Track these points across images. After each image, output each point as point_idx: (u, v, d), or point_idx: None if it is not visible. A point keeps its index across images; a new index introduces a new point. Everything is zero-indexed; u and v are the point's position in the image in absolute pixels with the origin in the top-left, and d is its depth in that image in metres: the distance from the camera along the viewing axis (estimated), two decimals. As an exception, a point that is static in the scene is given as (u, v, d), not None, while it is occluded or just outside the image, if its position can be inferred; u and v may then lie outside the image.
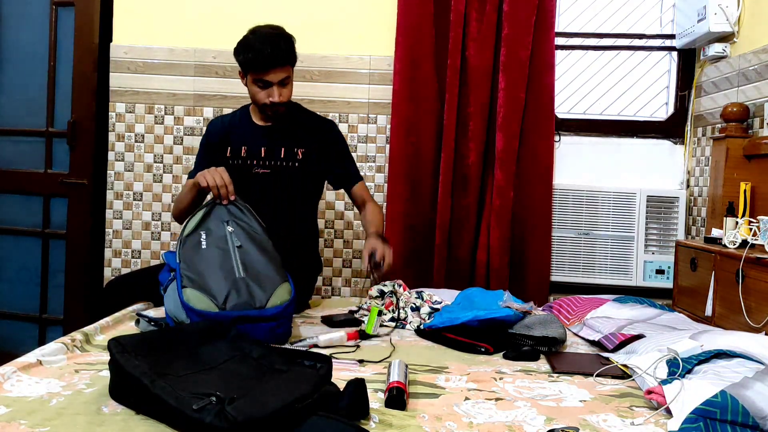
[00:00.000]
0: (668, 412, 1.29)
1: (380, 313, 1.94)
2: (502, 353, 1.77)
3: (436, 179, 2.70)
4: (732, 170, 2.30)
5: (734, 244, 2.04)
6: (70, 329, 1.81)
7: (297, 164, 2.20)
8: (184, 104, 2.82)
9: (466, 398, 1.39)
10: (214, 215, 1.91)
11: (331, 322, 2.06)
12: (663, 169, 2.86)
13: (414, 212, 2.70)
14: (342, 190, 2.38)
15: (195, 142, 2.82)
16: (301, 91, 2.79)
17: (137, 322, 1.88)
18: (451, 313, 1.98)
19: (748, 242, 1.99)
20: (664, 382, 1.37)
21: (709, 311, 2.10)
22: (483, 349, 1.79)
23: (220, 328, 1.49)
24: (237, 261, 1.79)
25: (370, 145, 2.82)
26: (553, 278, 2.78)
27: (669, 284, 2.67)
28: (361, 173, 2.79)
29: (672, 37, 2.84)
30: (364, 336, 1.88)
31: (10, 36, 2.91)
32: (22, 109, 2.91)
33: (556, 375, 1.59)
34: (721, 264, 2.04)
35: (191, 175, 2.25)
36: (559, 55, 2.85)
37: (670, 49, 2.89)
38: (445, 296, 2.26)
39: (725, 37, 2.55)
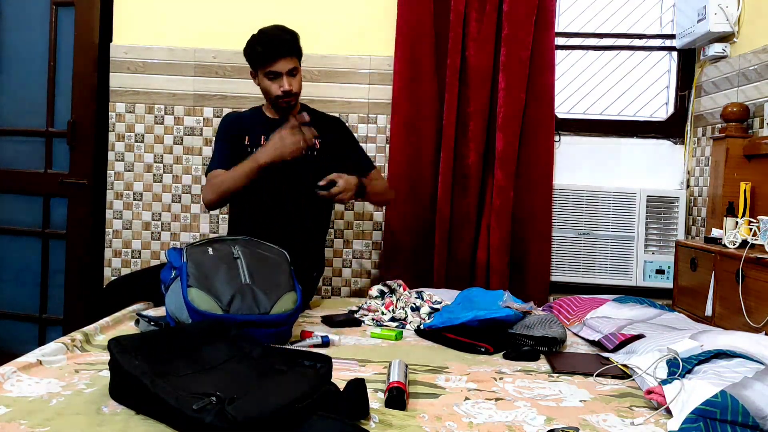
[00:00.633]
0: (668, 412, 1.29)
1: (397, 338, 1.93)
2: (502, 353, 1.77)
3: (436, 179, 2.70)
4: (732, 170, 2.30)
5: (734, 244, 2.04)
6: (70, 329, 1.81)
7: (316, 152, 2.28)
8: (184, 104, 2.82)
9: (466, 398, 1.39)
10: (222, 241, 1.92)
11: (331, 322, 2.06)
12: (663, 169, 2.86)
13: (414, 212, 2.70)
14: None
15: (195, 142, 2.82)
16: (303, 91, 2.79)
17: (137, 322, 1.88)
18: (451, 313, 1.98)
19: (748, 242, 1.99)
20: (664, 382, 1.37)
21: (709, 311, 2.10)
22: (483, 349, 1.79)
23: (221, 328, 1.49)
24: (243, 269, 1.80)
25: (370, 145, 2.81)
26: (553, 278, 2.78)
27: (669, 284, 2.67)
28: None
29: (672, 37, 2.84)
30: None
31: (10, 36, 2.91)
32: (22, 109, 2.90)
33: (556, 375, 1.59)
34: (721, 264, 2.04)
35: (210, 168, 2.24)
36: (559, 55, 2.85)
37: (670, 49, 2.89)
38: (445, 296, 2.26)
39: (725, 37, 2.55)
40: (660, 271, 2.75)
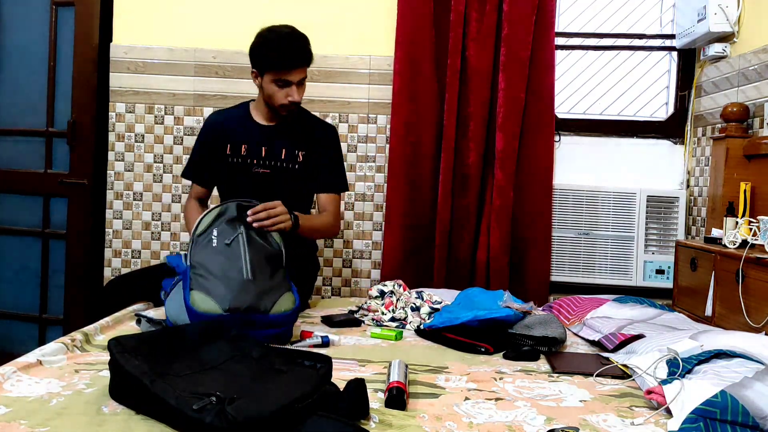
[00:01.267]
0: (668, 412, 1.29)
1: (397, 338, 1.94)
2: (502, 353, 1.77)
3: (436, 179, 2.70)
4: (732, 170, 2.30)
5: (734, 244, 2.04)
6: (70, 329, 1.81)
7: (297, 166, 2.21)
8: (184, 104, 2.82)
9: (466, 398, 1.39)
10: (228, 214, 1.90)
11: (331, 322, 2.06)
12: (663, 169, 2.86)
13: (414, 212, 2.70)
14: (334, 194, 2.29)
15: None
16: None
17: (138, 321, 1.88)
18: (451, 313, 1.98)
19: (748, 242, 1.99)
20: (664, 382, 1.37)
21: (709, 311, 2.10)
22: (483, 349, 1.79)
23: (221, 328, 1.49)
24: (246, 262, 1.78)
25: (370, 145, 2.82)
26: (553, 278, 2.78)
27: (669, 284, 2.67)
28: (361, 173, 2.81)
29: (672, 37, 2.84)
30: None
31: (10, 36, 2.91)
32: (22, 109, 2.90)
33: (556, 375, 1.59)
34: (721, 264, 2.04)
35: (185, 172, 2.31)
36: (559, 55, 2.85)
37: (670, 49, 2.89)
38: (445, 296, 2.26)
39: (725, 37, 2.55)
40: (660, 271, 2.75)
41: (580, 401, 1.40)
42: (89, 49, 2.80)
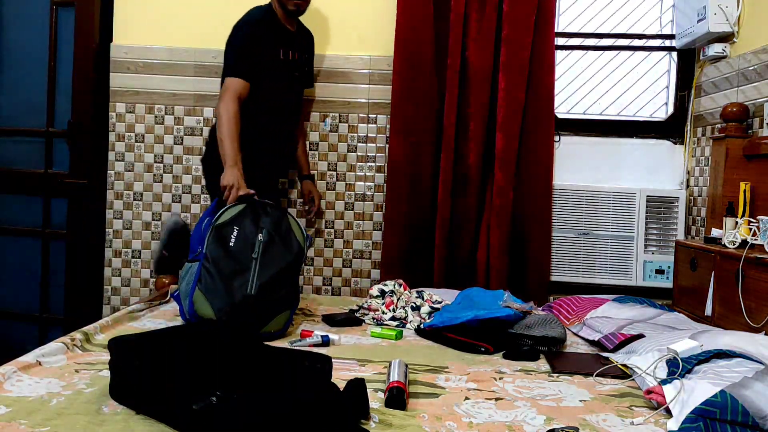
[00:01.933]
0: (668, 411, 1.29)
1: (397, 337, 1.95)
2: (502, 353, 1.77)
3: (436, 179, 2.70)
4: (732, 170, 2.30)
5: (734, 244, 2.04)
6: (70, 329, 1.81)
7: (307, 68, 2.57)
8: (184, 104, 2.82)
9: (466, 398, 1.39)
10: (252, 215, 1.93)
11: (331, 321, 2.06)
12: (663, 169, 2.86)
13: (414, 212, 2.70)
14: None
15: (195, 142, 2.82)
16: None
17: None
18: (452, 313, 1.99)
19: (748, 242, 1.99)
20: (663, 382, 1.37)
21: (709, 311, 2.10)
22: (483, 349, 1.79)
23: (221, 328, 1.49)
24: (254, 277, 1.83)
25: (370, 145, 2.82)
26: (553, 278, 2.78)
27: (669, 284, 2.66)
28: (361, 173, 2.82)
29: (672, 37, 2.84)
30: None
31: (10, 36, 2.91)
32: (22, 109, 2.90)
33: (556, 375, 1.59)
34: (721, 264, 2.04)
35: (238, 70, 2.24)
36: (559, 55, 2.85)
37: (670, 49, 2.89)
38: (445, 296, 2.26)
39: (725, 37, 2.55)
40: (660, 271, 2.75)
41: (580, 401, 1.40)
42: (89, 49, 2.80)
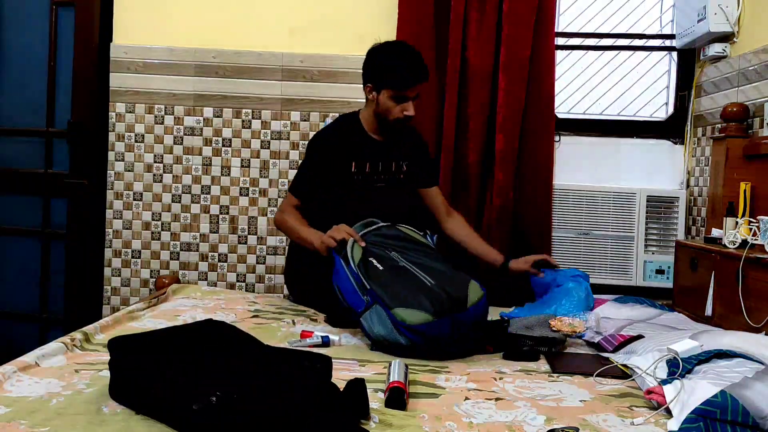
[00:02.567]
0: (668, 412, 1.29)
1: None
2: (502, 353, 1.77)
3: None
4: (732, 170, 2.30)
5: (734, 244, 2.04)
6: (70, 329, 1.81)
7: (403, 176, 2.35)
8: (184, 104, 2.82)
9: (466, 398, 1.39)
10: (369, 250, 1.92)
11: (334, 321, 2.05)
12: (663, 169, 2.86)
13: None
14: None
15: (195, 142, 2.82)
16: (302, 91, 2.79)
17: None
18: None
19: (748, 242, 1.99)
20: (664, 382, 1.37)
21: (709, 311, 2.10)
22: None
23: (221, 328, 1.49)
24: (418, 273, 1.82)
25: (370, 145, 2.81)
26: (553, 278, 2.78)
27: (669, 284, 2.66)
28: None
29: (672, 37, 2.84)
30: None
31: (10, 36, 2.91)
32: (22, 109, 2.90)
33: (556, 375, 1.59)
34: (721, 264, 2.04)
35: (298, 190, 2.25)
36: (559, 55, 2.85)
37: (670, 49, 2.89)
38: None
39: (725, 37, 2.55)
40: (660, 271, 2.75)
41: (580, 401, 1.40)
42: (89, 49, 2.80)
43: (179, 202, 2.84)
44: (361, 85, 2.84)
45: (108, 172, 2.84)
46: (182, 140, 2.83)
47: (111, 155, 2.84)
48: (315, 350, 1.63)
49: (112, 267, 2.86)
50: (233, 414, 1.07)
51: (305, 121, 2.80)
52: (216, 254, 2.85)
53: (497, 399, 1.39)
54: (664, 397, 1.32)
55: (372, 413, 1.25)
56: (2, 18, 2.90)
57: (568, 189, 2.78)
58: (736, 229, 2.08)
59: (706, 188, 2.62)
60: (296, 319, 2.08)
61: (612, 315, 2.10)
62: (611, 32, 2.92)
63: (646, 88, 2.94)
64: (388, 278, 1.81)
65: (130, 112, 2.83)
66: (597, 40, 2.93)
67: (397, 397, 1.30)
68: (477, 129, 2.68)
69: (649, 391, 1.38)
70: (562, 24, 2.91)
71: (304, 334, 1.83)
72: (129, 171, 2.84)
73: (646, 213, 2.75)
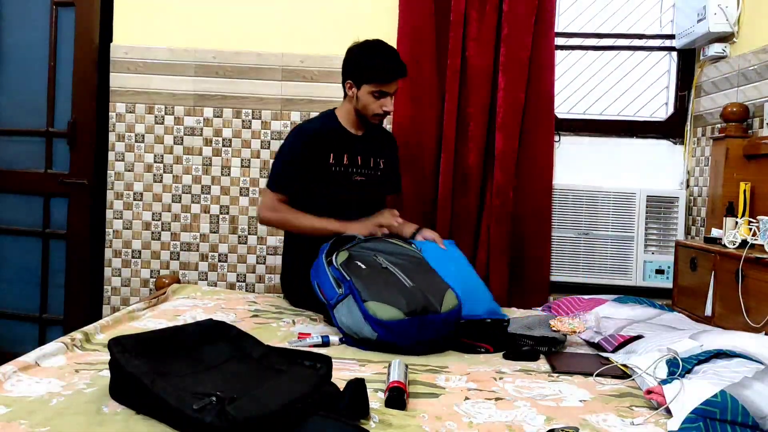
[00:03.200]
0: (668, 412, 1.29)
1: None
2: (502, 353, 1.77)
3: (436, 179, 2.70)
4: (732, 170, 2.30)
5: (734, 244, 2.04)
6: (70, 329, 1.81)
7: (380, 173, 2.39)
8: (184, 104, 2.82)
9: (466, 398, 1.39)
10: (359, 254, 1.96)
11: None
12: (663, 169, 2.86)
13: (415, 212, 2.70)
14: None
15: (195, 142, 2.82)
16: (302, 91, 2.79)
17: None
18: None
19: (748, 242, 1.99)
20: (663, 382, 1.37)
21: (708, 311, 2.10)
22: (483, 349, 1.79)
23: (221, 328, 1.49)
24: (400, 274, 1.86)
25: (370, 145, 2.81)
26: (553, 278, 2.78)
27: (669, 284, 2.66)
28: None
29: (672, 37, 2.84)
30: None
31: (10, 36, 2.91)
32: (22, 109, 2.90)
33: (556, 375, 1.59)
34: (720, 264, 2.04)
35: (281, 185, 2.27)
36: (559, 55, 2.85)
37: (670, 49, 2.89)
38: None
39: (725, 37, 2.55)
40: (660, 271, 2.75)
41: (580, 401, 1.40)
42: (89, 49, 2.80)
43: (179, 202, 2.84)
44: (362, 85, 2.84)
45: (108, 172, 2.85)
46: (182, 140, 2.83)
47: (111, 155, 2.84)
48: (315, 350, 1.63)
49: (112, 267, 2.86)
50: (233, 414, 1.07)
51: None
52: (216, 254, 2.85)
53: (497, 399, 1.39)
54: (664, 397, 1.32)
55: (372, 413, 1.25)
56: (2, 18, 2.90)
57: (568, 189, 2.78)
58: (735, 229, 2.08)
59: (705, 188, 2.62)
60: (296, 319, 2.08)
61: (612, 315, 2.10)
62: (611, 32, 2.92)
63: (646, 88, 2.94)
64: (368, 276, 1.85)
65: (130, 112, 2.83)
66: (597, 40, 2.93)
67: (397, 397, 1.30)
68: (477, 129, 2.68)
69: (649, 391, 1.38)
70: (562, 24, 2.91)
71: (302, 336, 1.83)
72: (129, 171, 2.84)
73: (646, 213, 2.76)
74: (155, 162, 2.84)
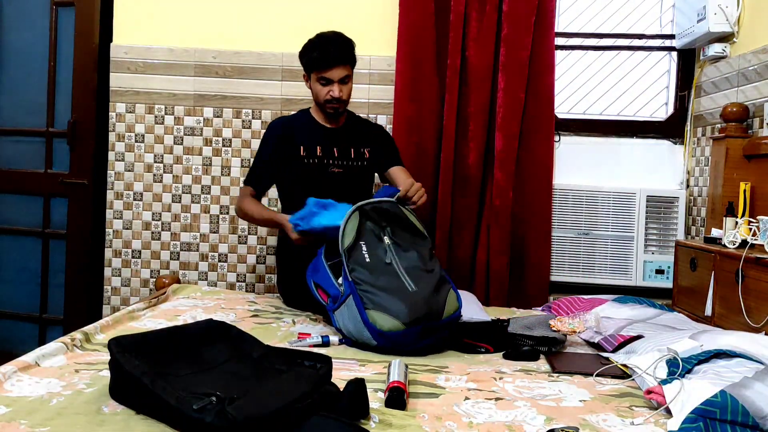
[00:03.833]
0: (668, 411, 1.29)
1: None
2: (502, 353, 1.77)
3: (436, 179, 2.70)
4: (732, 170, 2.30)
5: (734, 244, 2.04)
6: (70, 329, 1.81)
7: (365, 162, 2.40)
8: (184, 104, 2.82)
9: (466, 398, 1.39)
10: (365, 224, 1.93)
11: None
12: (663, 169, 2.86)
13: (415, 212, 2.70)
14: None
15: (195, 142, 2.82)
16: (302, 91, 2.78)
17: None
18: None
19: (748, 242, 1.99)
20: (663, 382, 1.37)
21: (708, 311, 2.10)
22: (483, 349, 1.79)
23: (221, 328, 1.49)
24: (404, 275, 1.83)
25: (370, 145, 2.81)
26: (553, 278, 2.78)
27: (669, 284, 2.66)
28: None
29: (672, 37, 2.84)
30: None
31: (10, 36, 2.91)
32: (22, 109, 2.90)
33: (556, 375, 1.59)
34: (720, 264, 2.04)
35: (252, 180, 2.35)
36: (559, 55, 2.85)
37: (670, 49, 2.89)
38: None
39: (725, 37, 2.55)
40: (660, 271, 2.75)
41: (580, 401, 1.40)
42: (89, 49, 2.80)
43: (179, 202, 2.84)
44: (360, 85, 2.86)
45: (108, 172, 2.85)
46: (182, 140, 2.83)
47: (111, 155, 2.84)
48: (315, 350, 1.63)
49: (112, 267, 2.86)
50: (233, 414, 1.07)
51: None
52: (216, 254, 2.85)
53: (497, 399, 1.39)
54: (663, 396, 1.32)
55: (372, 413, 1.25)
56: (2, 18, 2.90)
57: (568, 189, 2.78)
58: (735, 229, 2.08)
59: (705, 188, 2.62)
60: (296, 319, 2.09)
61: (612, 315, 2.11)
62: (611, 32, 2.92)
63: (646, 88, 2.94)
64: (371, 273, 1.82)
65: (130, 112, 2.83)
66: (597, 40, 2.93)
67: (397, 397, 1.30)
68: (477, 129, 2.68)
69: (649, 391, 1.38)
70: (562, 24, 2.91)
71: (302, 336, 1.83)
72: (129, 171, 2.84)
73: (646, 213, 2.76)
74: (155, 162, 2.84)
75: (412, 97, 2.68)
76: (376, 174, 2.51)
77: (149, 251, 2.85)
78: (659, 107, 2.94)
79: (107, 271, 2.86)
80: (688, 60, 2.86)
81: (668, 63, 2.93)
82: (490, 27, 2.66)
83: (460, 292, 2.33)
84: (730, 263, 1.98)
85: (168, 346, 1.38)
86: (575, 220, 2.78)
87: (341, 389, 1.24)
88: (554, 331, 1.83)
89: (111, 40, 2.83)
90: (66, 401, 1.27)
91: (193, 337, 1.44)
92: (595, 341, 1.87)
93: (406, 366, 1.44)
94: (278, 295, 2.45)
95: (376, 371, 1.54)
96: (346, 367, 1.57)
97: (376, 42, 2.76)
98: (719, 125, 2.50)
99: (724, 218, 2.16)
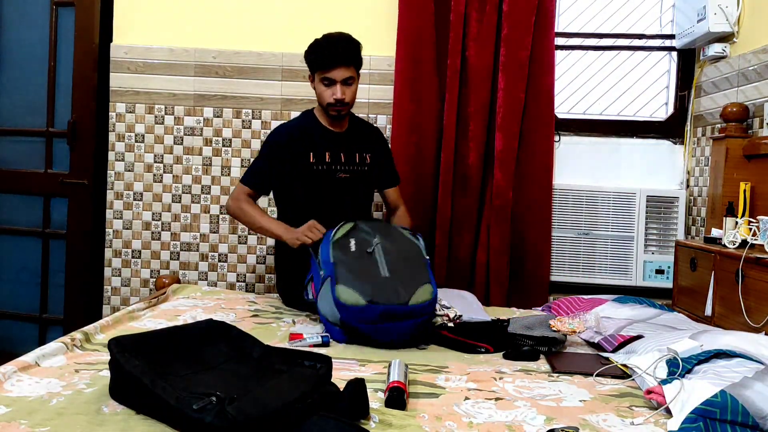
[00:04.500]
0: (668, 411, 1.29)
1: None
2: (502, 353, 1.77)
3: (436, 179, 2.70)
4: (732, 170, 2.30)
5: (734, 244, 2.04)
6: (70, 329, 1.81)
7: (367, 168, 2.39)
8: (184, 104, 2.82)
9: (466, 398, 1.39)
10: (361, 229, 2.03)
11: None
12: (663, 169, 2.86)
13: (414, 212, 2.70)
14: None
15: (195, 142, 2.82)
16: (302, 91, 2.79)
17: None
18: None
19: (748, 242, 1.99)
20: (663, 382, 1.37)
21: (708, 311, 2.10)
22: (483, 349, 1.79)
23: (221, 328, 1.49)
24: (382, 263, 1.91)
25: (370, 145, 2.81)
26: (553, 278, 2.78)
27: (669, 284, 2.66)
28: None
29: (672, 37, 2.84)
30: None
31: (10, 36, 2.91)
32: (22, 109, 2.91)
33: (556, 375, 1.59)
34: (720, 264, 2.04)
35: (250, 181, 2.31)
36: (559, 55, 2.85)
37: (670, 49, 2.89)
38: (445, 296, 2.25)
39: (725, 37, 2.55)
40: (660, 271, 2.75)
41: (580, 401, 1.40)
42: (89, 49, 2.80)
43: (179, 202, 2.84)
44: (360, 85, 2.86)
45: (108, 172, 2.85)
46: (182, 140, 2.83)
47: (111, 155, 2.84)
48: (315, 350, 1.63)
49: (112, 267, 2.86)
50: (233, 414, 1.07)
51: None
52: (216, 254, 2.85)
53: (497, 399, 1.39)
54: (663, 396, 1.32)
55: (372, 413, 1.25)
56: (2, 18, 2.90)
57: (568, 189, 2.79)
58: (735, 229, 2.08)
59: (705, 188, 2.62)
60: (296, 319, 2.09)
61: (612, 315, 2.11)
62: (611, 32, 2.92)
63: (646, 88, 2.94)
64: (352, 261, 1.90)
65: (130, 112, 2.83)
66: (597, 40, 2.93)
67: (397, 397, 1.30)
68: (477, 129, 2.68)
69: (649, 391, 1.38)
70: (562, 24, 2.91)
71: (294, 337, 1.82)
72: (129, 171, 2.84)
73: (646, 213, 2.76)
74: (155, 162, 2.84)
75: (412, 97, 2.68)
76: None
77: (149, 251, 2.85)
78: (659, 107, 2.94)
79: (107, 271, 2.86)
80: (688, 60, 2.86)
81: (668, 63, 2.93)
82: (490, 27, 2.66)
83: (461, 292, 2.37)
84: (730, 263, 1.98)
85: (168, 346, 1.38)
86: (575, 220, 2.78)
87: (341, 389, 1.24)
88: (554, 331, 1.83)
89: (111, 40, 2.83)
90: (66, 401, 1.27)
91: (193, 337, 1.44)
92: (595, 341, 1.87)
93: (406, 366, 1.44)
94: (278, 295, 2.45)
95: (376, 371, 1.54)
96: (346, 367, 1.57)
97: (376, 42, 2.76)
98: (719, 125, 2.50)
99: (724, 218, 2.16)
